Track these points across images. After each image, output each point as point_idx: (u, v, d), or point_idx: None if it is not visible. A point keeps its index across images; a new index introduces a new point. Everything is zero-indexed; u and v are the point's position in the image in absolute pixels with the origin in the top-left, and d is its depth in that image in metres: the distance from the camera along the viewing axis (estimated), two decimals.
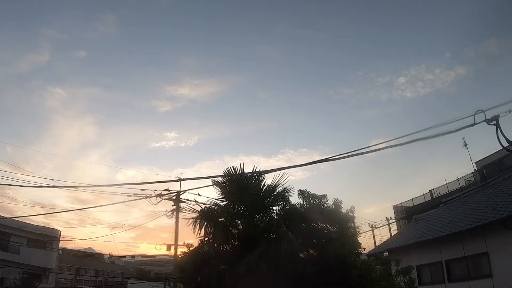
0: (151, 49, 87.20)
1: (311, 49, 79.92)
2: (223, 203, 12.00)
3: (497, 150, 21.76)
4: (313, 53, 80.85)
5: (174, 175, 57.14)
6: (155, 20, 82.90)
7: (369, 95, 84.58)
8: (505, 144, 6.15)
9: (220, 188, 11.89)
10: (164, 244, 23.51)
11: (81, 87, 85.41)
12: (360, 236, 15.08)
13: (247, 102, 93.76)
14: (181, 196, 19.00)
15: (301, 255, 11.68)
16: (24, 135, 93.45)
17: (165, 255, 31.16)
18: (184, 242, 18.28)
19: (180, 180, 14.84)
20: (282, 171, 11.08)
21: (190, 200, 17.41)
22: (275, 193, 11.80)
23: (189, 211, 13.07)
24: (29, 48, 79.41)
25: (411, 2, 73.83)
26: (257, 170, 11.62)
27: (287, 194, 11.90)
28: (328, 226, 13.01)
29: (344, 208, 13.44)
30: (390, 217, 36.56)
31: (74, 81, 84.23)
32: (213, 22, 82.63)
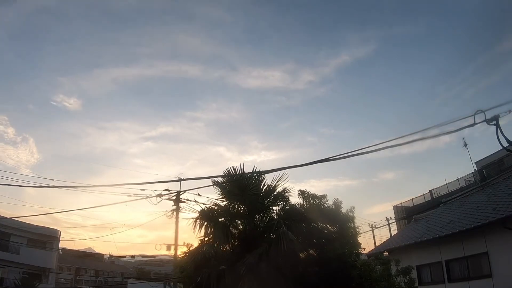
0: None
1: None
2: (223, 203, 12.01)
3: (497, 150, 21.80)
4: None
5: (174, 175, 57.13)
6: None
7: (379, 154, 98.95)
8: (505, 144, 6.12)
9: (220, 188, 11.88)
10: (164, 244, 23.50)
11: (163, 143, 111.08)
12: (360, 236, 15.06)
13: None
14: (181, 196, 18.99)
15: (301, 255, 11.65)
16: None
17: (165, 255, 31.22)
18: (184, 242, 18.23)
19: (180, 180, 14.79)
20: (282, 171, 11.09)
21: (190, 200, 17.45)
22: (275, 193, 11.79)
23: (189, 211, 13.08)
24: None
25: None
26: (257, 170, 11.63)
27: (287, 194, 11.91)
28: (328, 226, 12.99)
29: (344, 208, 13.44)
30: (390, 217, 36.66)
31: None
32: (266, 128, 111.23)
